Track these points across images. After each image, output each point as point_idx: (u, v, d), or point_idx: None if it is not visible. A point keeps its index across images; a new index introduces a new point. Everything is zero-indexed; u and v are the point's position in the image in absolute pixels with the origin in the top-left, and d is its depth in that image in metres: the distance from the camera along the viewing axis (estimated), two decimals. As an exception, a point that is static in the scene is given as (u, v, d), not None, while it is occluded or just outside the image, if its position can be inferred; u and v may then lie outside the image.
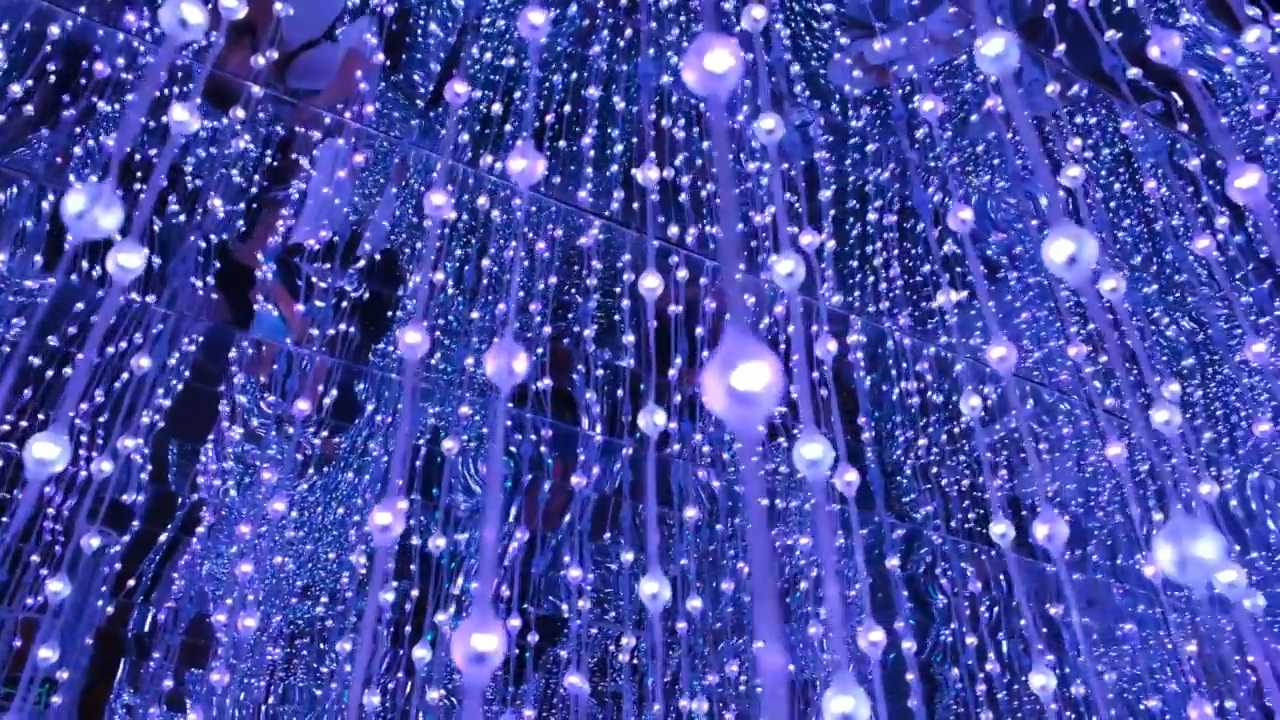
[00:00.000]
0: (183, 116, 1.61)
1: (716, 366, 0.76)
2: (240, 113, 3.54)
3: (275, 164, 5.18)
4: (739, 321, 0.79)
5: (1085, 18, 3.47)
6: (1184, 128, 4.58)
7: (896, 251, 5.60)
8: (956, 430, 5.83)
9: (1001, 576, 5.73)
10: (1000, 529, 2.49)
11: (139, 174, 4.27)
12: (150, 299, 4.30)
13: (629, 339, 4.02)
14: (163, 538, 5.37)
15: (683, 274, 4.06)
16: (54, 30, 4.19)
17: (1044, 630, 5.93)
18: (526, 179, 1.69)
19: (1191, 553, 1.00)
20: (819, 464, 1.50)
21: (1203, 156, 4.06)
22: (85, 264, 4.56)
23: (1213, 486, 3.63)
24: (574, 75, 5.22)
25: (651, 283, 2.17)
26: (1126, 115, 3.89)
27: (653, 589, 1.79)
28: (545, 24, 1.86)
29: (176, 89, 4.28)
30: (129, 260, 1.24)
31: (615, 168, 4.93)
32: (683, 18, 5.00)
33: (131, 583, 5.23)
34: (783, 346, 4.36)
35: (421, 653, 2.69)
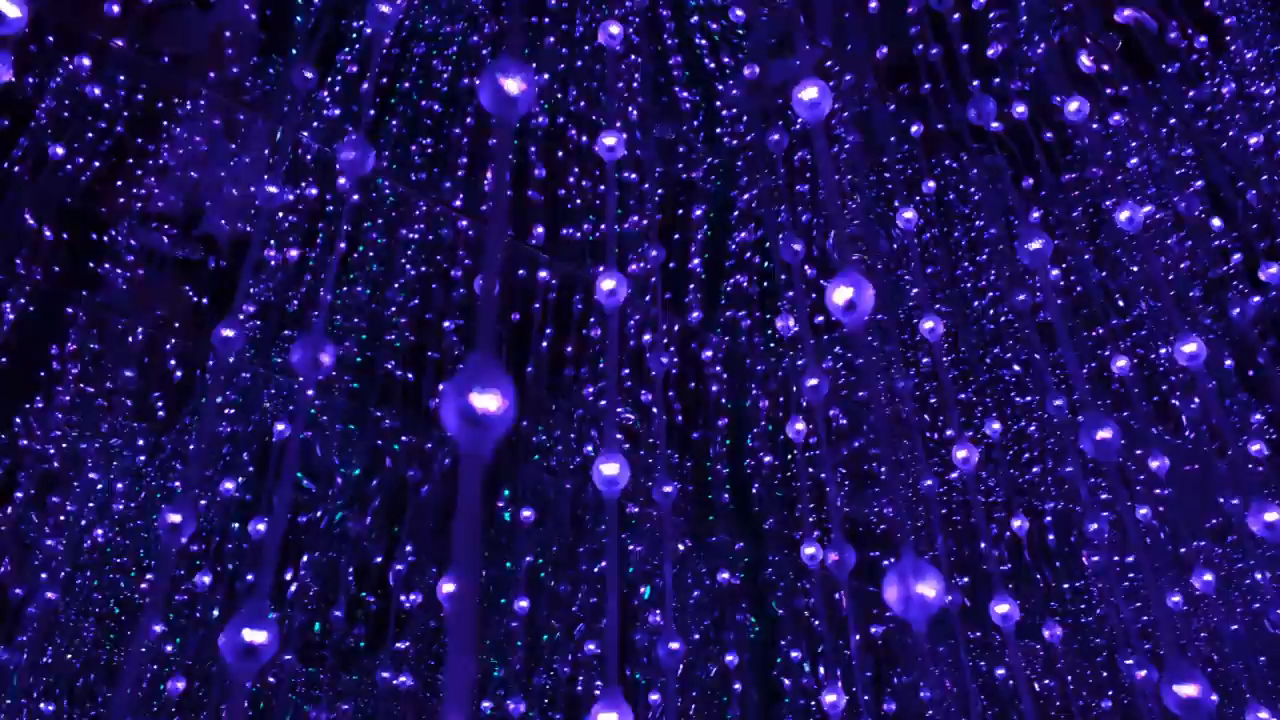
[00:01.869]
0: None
1: (452, 388, 0.77)
2: (87, 61, 3.36)
3: (133, 124, 4.94)
4: (485, 344, 0.81)
5: (941, 69, 3.62)
6: (1031, 182, 4.85)
7: (763, 268, 5.75)
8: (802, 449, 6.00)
9: (839, 595, 5.92)
10: (810, 550, 2.59)
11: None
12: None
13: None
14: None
15: (543, 274, 4.08)
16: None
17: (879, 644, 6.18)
18: (354, 170, 1.67)
19: (915, 591, 1.07)
20: (616, 482, 1.54)
21: (1042, 211, 4.32)
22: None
23: (1022, 522, 3.85)
24: (442, 62, 5.16)
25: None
26: (970, 165, 4.11)
27: (449, 588, 1.81)
28: (395, 11, 1.85)
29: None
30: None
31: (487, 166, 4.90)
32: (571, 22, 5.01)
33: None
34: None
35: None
